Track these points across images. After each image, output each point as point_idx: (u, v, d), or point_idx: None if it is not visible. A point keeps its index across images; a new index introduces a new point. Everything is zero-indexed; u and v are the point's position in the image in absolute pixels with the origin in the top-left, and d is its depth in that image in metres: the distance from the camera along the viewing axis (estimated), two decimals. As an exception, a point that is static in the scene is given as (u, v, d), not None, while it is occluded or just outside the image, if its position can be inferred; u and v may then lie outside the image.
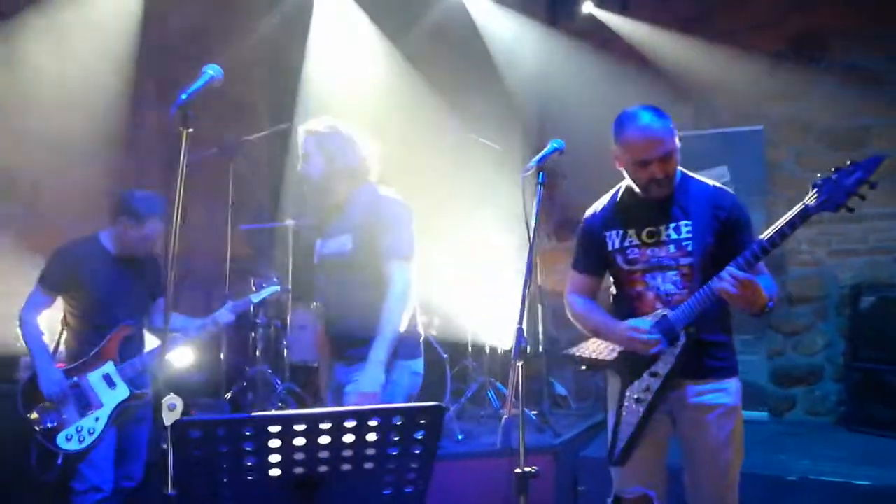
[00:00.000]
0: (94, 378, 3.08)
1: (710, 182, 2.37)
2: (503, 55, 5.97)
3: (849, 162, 2.07)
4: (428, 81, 5.96)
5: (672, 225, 2.29)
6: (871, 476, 3.62)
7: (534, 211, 2.21)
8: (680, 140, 2.31)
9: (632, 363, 2.34)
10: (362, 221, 2.67)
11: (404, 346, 2.61)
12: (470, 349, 5.10)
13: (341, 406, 2.55)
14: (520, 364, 2.04)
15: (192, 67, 1.99)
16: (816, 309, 5.34)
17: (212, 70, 1.93)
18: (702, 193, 2.32)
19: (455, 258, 5.33)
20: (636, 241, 2.34)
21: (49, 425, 2.97)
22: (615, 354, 2.40)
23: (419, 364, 2.74)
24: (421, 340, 2.80)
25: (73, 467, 3.04)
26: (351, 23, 5.85)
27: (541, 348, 5.24)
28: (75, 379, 3.05)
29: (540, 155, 2.25)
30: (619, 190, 2.47)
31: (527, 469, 2.04)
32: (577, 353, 2.53)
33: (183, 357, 4.59)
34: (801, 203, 2.08)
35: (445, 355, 4.56)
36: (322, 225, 2.85)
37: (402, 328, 2.57)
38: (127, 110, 4.77)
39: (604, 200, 2.51)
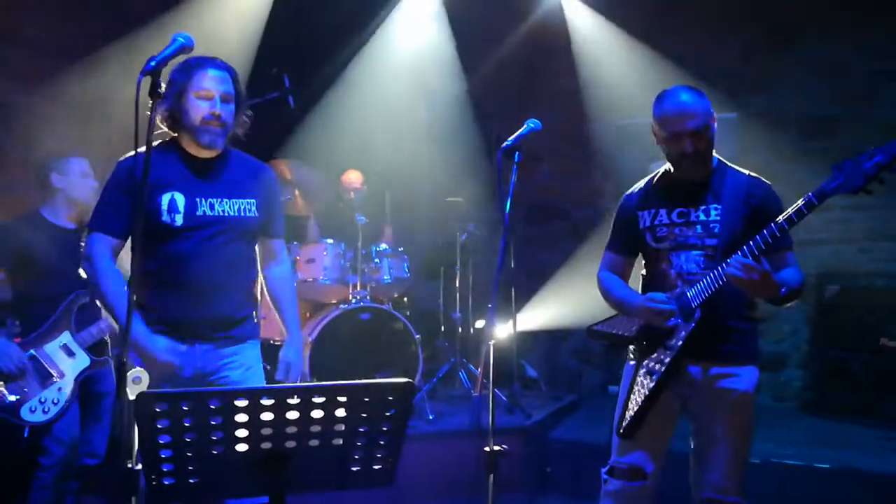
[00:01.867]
0: (52, 348, 3.04)
1: (747, 172, 2.40)
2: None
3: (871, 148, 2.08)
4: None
5: (703, 207, 2.34)
6: (830, 459, 3.71)
7: (509, 191, 2.20)
8: (716, 124, 2.35)
9: (648, 337, 2.39)
10: (262, 187, 2.53)
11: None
12: (442, 329, 5.11)
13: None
14: (491, 343, 2.04)
15: (164, 38, 1.94)
16: (783, 297, 5.43)
17: (181, 37, 1.87)
18: (736, 181, 2.35)
19: (432, 237, 5.32)
20: (666, 220, 2.39)
21: (11, 399, 2.92)
22: (634, 330, 2.45)
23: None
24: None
25: (38, 442, 3.00)
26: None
27: (513, 330, 5.27)
28: (32, 351, 3.00)
29: (516, 134, 2.24)
30: (656, 174, 2.52)
31: (496, 448, 2.05)
32: (600, 329, 2.59)
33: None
34: (822, 184, 2.09)
35: (417, 335, 4.56)
36: (177, 178, 2.39)
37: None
38: (97, 80, 4.65)
39: (641, 183, 2.55)
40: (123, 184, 2.34)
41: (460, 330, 5.13)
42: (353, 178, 5.18)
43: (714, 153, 2.39)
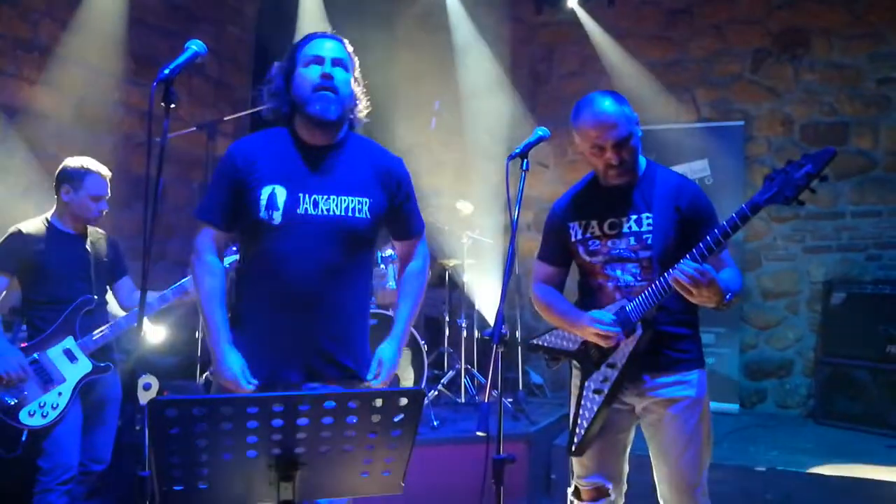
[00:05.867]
0: (54, 353, 3.05)
1: (678, 172, 2.37)
2: (487, 45, 5.96)
3: (801, 155, 2.07)
4: (411, 69, 5.94)
5: (633, 217, 2.27)
6: (836, 467, 3.70)
7: (517, 198, 2.20)
8: (640, 128, 2.28)
9: (592, 354, 2.34)
10: (382, 182, 2.19)
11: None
12: (447, 336, 5.11)
13: None
14: (499, 350, 2.04)
15: (175, 46, 1.95)
16: (789, 304, 5.43)
17: (195, 45, 1.88)
18: (666, 184, 2.29)
19: (437, 243, 5.33)
20: (597, 233, 2.32)
21: (10, 402, 2.93)
22: (577, 345, 2.39)
23: None
24: None
25: (38, 445, 3.00)
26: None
27: (518, 337, 5.28)
28: (35, 355, 3.02)
29: (524, 142, 2.24)
30: (585, 180, 2.45)
31: (502, 455, 2.05)
32: (540, 343, 2.55)
33: (156, 334, 4.54)
34: (754, 195, 2.07)
35: (423, 341, 4.56)
36: (281, 169, 2.12)
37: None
38: (106, 87, 4.69)
39: (568, 193, 2.48)
40: (225, 172, 2.13)
41: (465, 336, 5.13)
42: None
43: (642, 156, 2.33)
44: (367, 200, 2.14)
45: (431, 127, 5.87)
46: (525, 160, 2.23)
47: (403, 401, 1.53)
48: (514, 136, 5.38)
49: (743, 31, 5.55)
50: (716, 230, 2.09)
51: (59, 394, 3.02)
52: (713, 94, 5.62)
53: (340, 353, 2.14)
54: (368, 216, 2.14)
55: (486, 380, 2.09)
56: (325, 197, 2.10)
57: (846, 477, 3.61)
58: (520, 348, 5.14)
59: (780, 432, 4.50)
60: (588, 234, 2.34)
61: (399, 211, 2.26)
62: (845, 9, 5.27)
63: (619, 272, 2.29)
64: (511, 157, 2.23)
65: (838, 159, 5.65)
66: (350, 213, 2.11)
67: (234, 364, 2.06)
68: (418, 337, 4.55)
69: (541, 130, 2.26)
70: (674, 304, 2.22)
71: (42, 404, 2.97)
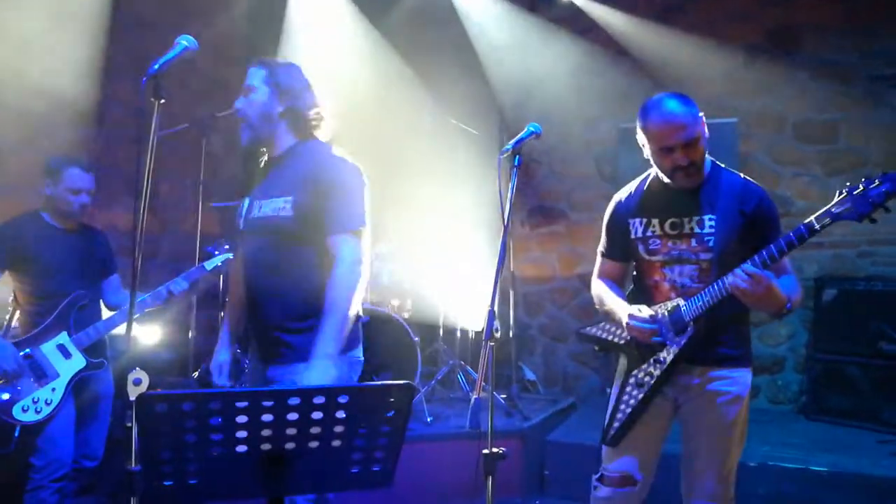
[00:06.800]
0: (48, 348, 3.04)
1: (742, 175, 2.34)
2: (482, 39, 5.95)
3: (879, 173, 2.05)
4: (406, 62, 5.92)
5: (696, 218, 2.26)
6: (827, 462, 3.72)
7: (508, 195, 2.20)
8: (706, 128, 2.27)
9: (640, 348, 2.35)
10: (305, 181, 2.28)
11: (349, 335, 2.27)
12: (441, 332, 5.12)
13: None
14: (491, 345, 2.04)
15: (167, 41, 1.94)
16: (781, 300, 5.44)
17: (185, 41, 1.88)
18: (731, 187, 2.28)
19: (428, 240, 5.32)
20: (658, 232, 2.33)
21: (3, 397, 2.92)
22: (627, 337, 2.41)
23: (360, 350, 2.43)
24: (360, 325, 2.42)
25: (31, 442, 2.99)
26: (329, 2, 5.78)
27: (511, 333, 5.28)
28: (28, 350, 3.01)
29: (517, 138, 2.24)
30: (647, 176, 2.44)
31: (494, 450, 2.06)
32: (592, 333, 2.56)
33: (151, 334, 4.53)
34: (825, 208, 2.07)
35: (416, 338, 4.56)
36: (251, 182, 2.46)
37: (353, 314, 2.23)
38: (97, 82, 4.67)
39: (632, 186, 2.47)
40: None
41: (459, 332, 5.13)
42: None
43: (707, 156, 2.33)
44: (291, 198, 2.29)
45: (427, 116, 5.86)
46: (518, 156, 2.23)
47: (393, 396, 1.53)
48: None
49: (736, 28, 5.55)
50: (781, 240, 2.09)
51: (53, 389, 3.01)
52: (706, 91, 5.62)
53: (283, 342, 2.30)
54: (291, 212, 2.29)
55: (479, 374, 2.09)
56: (263, 201, 2.36)
57: (837, 472, 3.63)
58: (514, 345, 5.15)
59: (772, 428, 4.51)
60: (650, 233, 2.34)
61: (319, 209, 2.29)
62: (838, 5, 5.28)
63: (676, 272, 2.30)
64: (503, 153, 2.23)
65: (830, 156, 5.65)
66: (276, 213, 2.31)
67: (214, 361, 2.44)
68: (411, 332, 4.55)
69: (532, 126, 2.26)
70: (731, 305, 2.20)
71: (36, 400, 2.96)
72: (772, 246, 2.09)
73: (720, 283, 2.16)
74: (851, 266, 5.22)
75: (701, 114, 2.25)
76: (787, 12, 5.42)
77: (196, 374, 4.77)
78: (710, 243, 2.24)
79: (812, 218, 2.07)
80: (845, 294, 4.89)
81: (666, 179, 2.31)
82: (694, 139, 2.21)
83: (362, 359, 2.45)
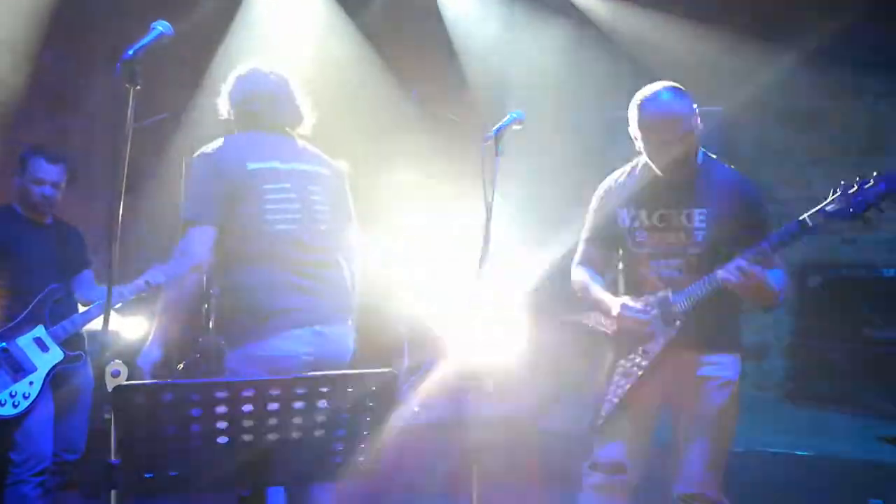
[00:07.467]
0: (25, 342, 2.99)
1: (733, 168, 2.33)
2: (463, 26, 5.90)
3: (874, 173, 2.05)
4: (384, 48, 5.86)
5: (686, 211, 2.24)
6: (812, 446, 3.75)
7: (492, 182, 2.18)
8: (699, 120, 2.25)
9: (628, 338, 2.34)
10: None
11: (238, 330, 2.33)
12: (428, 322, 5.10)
13: None
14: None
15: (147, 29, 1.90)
16: (766, 287, 5.46)
17: (161, 26, 1.83)
18: (723, 180, 2.26)
19: (414, 231, 5.30)
20: (646, 224, 2.30)
21: None
22: (614, 327, 2.39)
23: (263, 345, 2.30)
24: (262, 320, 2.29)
25: (10, 437, 2.95)
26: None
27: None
28: (4, 344, 2.96)
29: (499, 125, 2.22)
30: (636, 165, 2.40)
31: (479, 440, 2.05)
32: (583, 321, 2.54)
33: (136, 327, 4.48)
34: (819, 206, 2.06)
35: (404, 329, 4.55)
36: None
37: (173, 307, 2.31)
38: (75, 71, 4.60)
39: (620, 174, 2.43)
40: None
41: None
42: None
43: (700, 148, 2.30)
44: None
45: (413, 96, 5.81)
46: (499, 143, 2.22)
47: (375, 385, 1.52)
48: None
49: (720, 15, 5.54)
50: (774, 237, 2.09)
51: (31, 383, 2.96)
52: (690, 78, 5.60)
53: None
54: None
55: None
56: None
57: (822, 457, 3.66)
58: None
59: (756, 413, 4.54)
60: (636, 224, 2.32)
61: None
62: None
63: (663, 265, 2.28)
64: (486, 140, 2.21)
65: (814, 143, 5.64)
66: None
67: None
68: (399, 323, 4.53)
69: (515, 113, 2.24)
70: (721, 293, 2.18)
71: (13, 394, 2.92)
72: (764, 242, 2.09)
73: (712, 278, 2.15)
74: (835, 253, 5.25)
75: (695, 105, 2.23)
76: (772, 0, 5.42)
77: (181, 366, 4.73)
78: (699, 237, 2.23)
79: (805, 216, 2.07)
80: (829, 281, 4.92)
81: (658, 171, 2.29)
82: (689, 131, 2.19)
83: (270, 354, 2.29)
